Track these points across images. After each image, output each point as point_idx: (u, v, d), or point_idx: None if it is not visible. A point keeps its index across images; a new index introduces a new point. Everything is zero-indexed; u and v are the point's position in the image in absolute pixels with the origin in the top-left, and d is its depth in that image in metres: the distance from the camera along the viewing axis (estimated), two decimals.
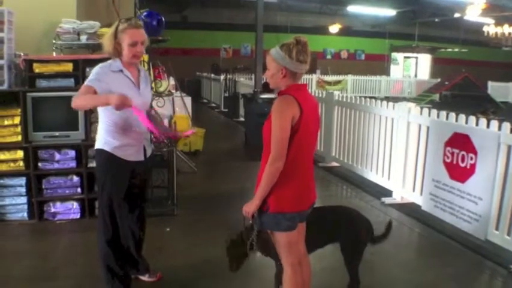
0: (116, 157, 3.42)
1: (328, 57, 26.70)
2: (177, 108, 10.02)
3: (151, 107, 5.76)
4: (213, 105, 18.43)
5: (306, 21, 23.73)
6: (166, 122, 6.04)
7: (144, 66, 5.03)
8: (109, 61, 3.44)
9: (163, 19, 4.96)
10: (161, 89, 5.15)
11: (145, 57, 5.05)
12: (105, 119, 3.43)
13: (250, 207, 2.83)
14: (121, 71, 3.39)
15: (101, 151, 3.46)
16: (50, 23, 5.77)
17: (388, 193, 6.28)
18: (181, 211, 5.66)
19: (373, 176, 6.78)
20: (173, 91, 10.51)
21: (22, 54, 5.20)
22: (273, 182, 2.75)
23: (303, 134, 2.76)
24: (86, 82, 3.32)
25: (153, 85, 5.10)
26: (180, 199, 5.81)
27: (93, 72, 3.36)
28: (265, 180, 2.75)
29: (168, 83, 5.19)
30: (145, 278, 3.95)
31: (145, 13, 4.97)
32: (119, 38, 3.32)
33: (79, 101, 3.23)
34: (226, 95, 16.44)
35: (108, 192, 3.47)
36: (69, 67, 5.09)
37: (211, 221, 5.33)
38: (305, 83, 2.97)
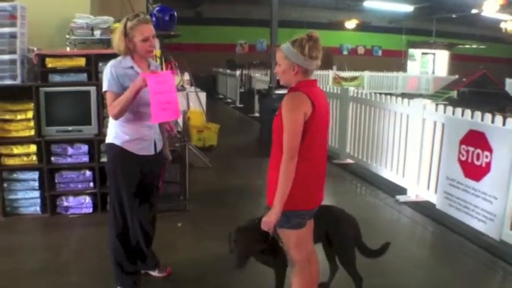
0: (126, 151, 3.41)
1: (345, 53, 26.52)
2: (192, 104, 10.05)
3: None
4: (229, 100, 18.43)
5: (321, 17, 23.56)
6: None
7: (156, 61, 5.02)
8: (119, 58, 3.42)
9: (175, 14, 4.94)
10: None
11: (158, 52, 5.03)
12: None
13: (271, 217, 2.71)
14: (131, 67, 3.37)
15: (111, 145, 3.45)
16: (63, 18, 5.77)
17: (402, 191, 6.20)
18: (193, 206, 5.64)
19: (388, 173, 6.71)
20: (187, 86, 10.61)
21: (35, 49, 5.22)
22: (291, 180, 2.66)
23: (315, 130, 2.71)
24: (105, 87, 3.33)
25: None
26: (193, 194, 5.79)
27: (106, 74, 3.34)
28: (284, 181, 2.66)
29: (180, 77, 5.15)
30: (155, 273, 3.94)
31: (157, 8, 4.95)
32: (129, 35, 3.30)
33: (116, 110, 3.26)
34: (242, 90, 16.42)
35: (118, 186, 3.46)
36: (81, 62, 5.10)
37: (223, 217, 5.30)
38: (315, 78, 2.90)
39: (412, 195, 6.04)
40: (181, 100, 9.80)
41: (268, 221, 2.71)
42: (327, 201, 5.87)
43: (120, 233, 3.54)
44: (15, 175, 5.17)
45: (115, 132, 3.43)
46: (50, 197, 5.24)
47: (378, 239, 3.53)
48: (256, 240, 2.93)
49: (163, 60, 5.03)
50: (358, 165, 7.65)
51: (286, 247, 2.96)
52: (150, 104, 3.21)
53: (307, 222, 2.91)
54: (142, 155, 3.46)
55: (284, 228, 2.83)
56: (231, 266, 3.02)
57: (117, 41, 3.34)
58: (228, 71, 19.29)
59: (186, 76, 10.98)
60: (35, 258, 4.34)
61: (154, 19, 4.88)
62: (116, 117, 3.32)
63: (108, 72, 3.34)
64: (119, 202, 3.48)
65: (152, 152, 3.52)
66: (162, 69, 5.08)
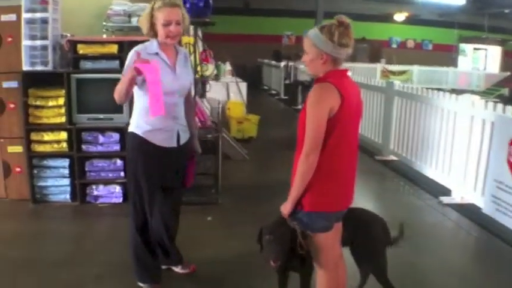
0: (147, 141, 3.25)
1: (394, 46, 25.76)
2: (232, 94, 9.91)
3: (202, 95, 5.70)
4: (273, 92, 18.20)
5: (371, 9, 22.96)
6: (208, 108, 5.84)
7: (189, 49, 4.86)
8: (146, 43, 3.26)
9: (210, 0, 4.74)
10: (207, 73, 4.94)
11: (191, 39, 4.86)
12: (138, 102, 3.28)
13: (285, 209, 2.60)
14: (157, 53, 3.20)
15: (132, 134, 3.30)
16: (101, 5, 5.71)
17: (446, 192, 5.82)
18: (225, 200, 5.48)
19: (432, 172, 6.34)
20: (229, 77, 10.46)
21: (69, 35, 5.15)
22: (307, 180, 2.48)
23: (344, 126, 2.47)
24: (123, 72, 3.19)
25: (198, 69, 4.94)
26: (227, 188, 5.64)
27: (128, 57, 3.20)
28: (299, 178, 2.49)
29: (213, 67, 4.98)
30: (178, 269, 3.79)
31: None
32: (154, 17, 3.14)
33: (115, 95, 3.16)
34: (287, 82, 16.19)
35: (138, 177, 3.30)
36: (113, 49, 5.00)
37: (255, 213, 5.08)
38: (347, 68, 2.64)
39: (456, 197, 5.66)
40: (221, 90, 9.76)
41: (283, 212, 2.62)
42: (365, 199, 5.77)
43: (140, 226, 3.39)
44: (45, 162, 5.13)
45: (137, 122, 3.28)
46: (79, 185, 5.18)
47: (418, 243, 3.27)
48: (291, 235, 2.68)
49: (196, 48, 4.84)
50: (401, 162, 7.29)
51: (311, 251, 2.72)
52: (148, 94, 3.04)
53: (335, 224, 2.67)
54: (164, 147, 3.29)
55: (309, 231, 2.60)
56: (256, 266, 2.79)
57: (143, 22, 3.20)
58: (273, 62, 19.04)
59: (228, 66, 10.88)
60: (59, 247, 4.27)
61: (187, 5, 4.69)
62: (118, 101, 3.20)
63: (130, 56, 3.19)
64: (139, 194, 3.33)
65: (174, 144, 3.34)
66: (195, 58, 4.90)
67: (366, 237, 3.05)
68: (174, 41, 3.25)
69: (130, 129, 3.32)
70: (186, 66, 3.43)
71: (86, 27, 5.73)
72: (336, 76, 2.50)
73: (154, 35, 3.19)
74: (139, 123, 3.26)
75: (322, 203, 2.54)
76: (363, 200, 5.69)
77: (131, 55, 3.18)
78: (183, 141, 3.42)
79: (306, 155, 2.45)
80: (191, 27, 5.09)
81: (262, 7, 22.70)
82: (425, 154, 6.52)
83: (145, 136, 3.24)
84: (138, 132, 3.26)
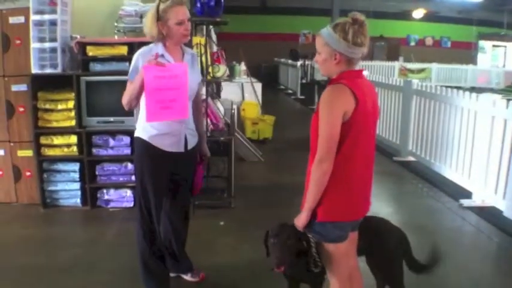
0: (153, 146, 3.14)
1: (412, 43, 25.39)
2: (247, 95, 9.79)
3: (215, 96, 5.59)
4: (290, 91, 18.03)
5: (388, 6, 22.66)
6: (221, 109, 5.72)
7: (200, 49, 4.74)
8: (150, 45, 3.15)
9: None
10: (218, 74, 4.82)
11: (202, 39, 4.74)
12: (144, 105, 3.16)
13: (299, 221, 2.45)
14: (162, 55, 3.08)
15: (138, 139, 3.21)
16: (113, 6, 5.62)
17: (467, 194, 5.63)
18: (239, 203, 5.34)
19: (452, 174, 6.14)
20: (244, 77, 10.36)
21: (79, 36, 5.07)
22: (322, 188, 2.34)
23: (358, 130, 2.33)
24: (128, 75, 3.08)
25: (210, 70, 4.82)
26: (241, 190, 5.51)
27: (133, 60, 3.10)
28: (313, 187, 2.35)
29: (225, 68, 4.85)
30: (187, 277, 3.67)
31: None
32: (163, 18, 3.01)
33: (125, 100, 3.05)
34: (304, 81, 16.03)
35: (144, 183, 3.20)
36: (123, 50, 4.90)
37: (270, 218, 4.89)
38: (362, 68, 2.50)
39: (477, 200, 5.46)
40: (236, 90, 9.66)
41: (298, 225, 2.47)
42: (383, 202, 5.61)
43: (148, 233, 3.27)
44: (55, 166, 5.07)
45: (143, 125, 3.17)
46: (90, 190, 5.11)
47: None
48: (297, 238, 2.52)
49: (207, 48, 4.72)
50: (420, 163, 7.09)
51: (324, 261, 2.57)
52: (145, 100, 2.91)
53: (350, 234, 2.52)
54: (171, 152, 3.18)
55: (322, 241, 2.46)
56: (268, 273, 2.64)
57: (149, 25, 3.06)
58: (290, 61, 18.89)
59: (243, 66, 10.77)
60: (67, 253, 4.19)
61: (198, 5, 4.58)
62: (127, 108, 3.09)
63: (134, 60, 3.08)
64: (145, 200, 3.22)
65: (182, 149, 3.22)
66: (206, 58, 4.79)
67: (383, 247, 2.89)
68: (188, 39, 3.16)
69: (137, 133, 3.22)
70: (193, 67, 3.30)
71: (98, 28, 5.65)
72: (350, 77, 2.36)
73: (162, 37, 3.08)
74: (145, 127, 3.16)
75: (337, 212, 2.40)
76: (380, 202, 5.56)
77: (136, 59, 3.08)
78: (191, 145, 3.30)
79: (319, 162, 2.30)
80: (203, 27, 4.97)
81: (279, 5, 22.55)
82: (445, 155, 6.32)
83: (151, 141, 3.14)
84: (144, 136, 3.16)
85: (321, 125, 2.30)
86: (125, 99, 3.05)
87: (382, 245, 2.88)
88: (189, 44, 4.74)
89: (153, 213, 3.24)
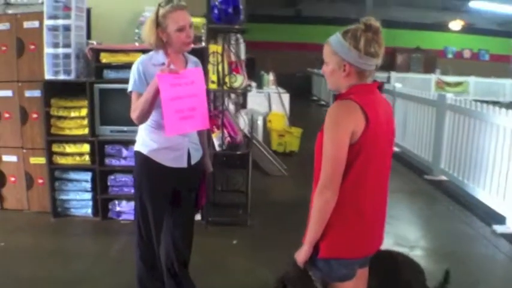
0: (152, 161, 2.93)
1: (450, 56, 24.72)
2: (275, 106, 9.54)
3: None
4: (323, 103, 17.72)
5: (424, 17, 22.10)
6: (245, 121, 5.48)
7: (217, 58, 4.53)
8: (151, 53, 2.94)
9: (240, 6, 4.40)
10: (236, 84, 4.60)
11: (219, 48, 4.53)
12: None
13: (299, 256, 2.17)
14: (163, 64, 2.86)
15: (137, 153, 3.00)
16: (134, 13, 5.50)
17: (501, 219, 5.22)
18: (256, 221, 5.07)
19: (485, 196, 5.73)
20: (273, 87, 10.12)
21: (95, 43, 4.93)
22: (325, 220, 2.06)
23: (369, 152, 2.03)
24: (129, 87, 2.88)
25: (226, 79, 4.60)
26: (259, 207, 5.27)
27: (132, 72, 2.88)
28: (315, 218, 2.08)
29: (243, 77, 4.63)
30: None
31: None
32: (162, 24, 2.80)
33: (136, 113, 2.80)
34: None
35: (143, 201, 2.99)
36: (138, 57, 4.70)
37: (288, 238, 4.64)
38: (378, 81, 2.19)
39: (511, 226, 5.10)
40: (262, 101, 9.43)
41: (298, 260, 2.18)
42: (410, 224, 5.28)
43: (145, 254, 3.07)
44: (67, 175, 4.94)
45: (143, 139, 2.97)
46: (101, 200, 4.95)
47: (465, 277, 2.79)
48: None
49: (224, 57, 4.51)
50: (452, 183, 6.68)
51: None
52: (162, 112, 2.68)
53: (359, 271, 2.23)
54: (173, 167, 2.96)
55: (325, 279, 2.16)
56: None
57: (147, 32, 2.84)
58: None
59: (271, 76, 10.54)
60: (71, 266, 4.03)
61: (215, 11, 4.38)
62: (138, 122, 2.85)
63: (134, 69, 2.87)
64: (144, 220, 3.00)
65: (184, 165, 2.99)
66: (223, 67, 4.57)
67: (397, 286, 2.59)
68: (190, 47, 2.93)
69: (136, 147, 3.02)
70: None
71: (119, 35, 5.54)
72: (361, 92, 2.07)
73: (162, 45, 2.87)
74: (145, 140, 2.95)
75: (343, 247, 2.11)
76: (408, 226, 5.24)
77: (136, 68, 2.86)
78: (194, 160, 3.06)
79: (321, 189, 2.03)
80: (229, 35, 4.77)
81: (314, 15, 22.28)
82: (479, 175, 5.92)
83: (152, 155, 2.92)
84: (144, 151, 2.94)
85: (326, 146, 2.02)
86: (136, 114, 2.81)
87: (398, 283, 2.58)
88: (205, 53, 4.56)
89: (152, 233, 3.03)
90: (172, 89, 2.66)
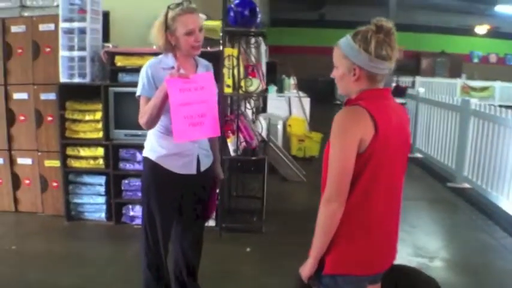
0: (160, 167, 2.85)
1: (475, 60, 24.24)
2: (295, 110, 9.43)
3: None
4: None
5: (449, 21, 21.72)
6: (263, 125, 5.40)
7: (232, 61, 4.45)
8: (160, 56, 2.87)
9: (257, 8, 4.32)
10: (251, 88, 4.51)
11: (235, 51, 4.45)
12: None
13: (303, 271, 2.07)
14: (173, 67, 2.78)
15: (146, 159, 2.93)
16: (153, 16, 5.45)
17: None
18: (271, 228, 4.95)
19: (509, 206, 5.57)
20: (294, 91, 10.02)
21: (111, 46, 4.91)
22: (330, 234, 1.94)
23: (379, 163, 1.91)
24: (138, 91, 2.82)
25: (242, 83, 4.52)
26: (276, 214, 5.18)
27: (141, 76, 2.82)
28: (320, 231, 1.97)
29: (259, 81, 4.54)
30: None
31: (236, 1, 4.38)
32: (171, 27, 2.73)
33: (144, 119, 2.74)
34: None
35: (151, 208, 2.92)
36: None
37: (305, 245, 4.57)
38: (389, 87, 2.08)
39: None
40: (283, 105, 9.33)
41: (303, 275, 2.08)
42: (431, 234, 5.11)
43: (152, 262, 3.00)
44: (81, 178, 4.92)
45: (151, 145, 2.90)
46: (115, 205, 4.91)
47: None
48: None
49: (239, 61, 4.43)
50: (475, 191, 6.48)
51: None
52: (171, 117, 2.60)
53: (369, 287, 2.12)
54: (181, 174, 2.88)
55: None
56: None
57: (156, 34, 2.78)
58: None
59: (293, 80, 10.43)
60: (84, 270, 3.99)
61: (231, 14, 4.31)
62: (146, 127, 2.79)
63: (143, 73, 2.81)
64: (151, 227, 2.94)
65: (194, 171, 2.91)
66: (239, 71, 4.50)
67: None
68: (199, 51, 2.85)
69: (144, 153, 2.95)
70: None
71: (139, 38, 5.45)
72: (371, 97, 1.95)
73: (171, 48, 2.80)
74: (153, 146, 2.89)
75: (351, 263, 1.98)
76: (428, 236, 5.08)
77: (145, 72, 2.81)
78: (204, 167, 2.98)
79: (326, 201, 1.91)
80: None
81: (337, 19, 22.10)
82: (502, 184, 5.74)
83: (160, 162, 2.85)
84: (151, 156, 2.87)
85: (332, 155, 1.91)
86: (144, 119, 2.74)
87: None
88: (221, 56, 4.48)
89: (160, 242, 2.96)
90: (181, 94, 2.59)
